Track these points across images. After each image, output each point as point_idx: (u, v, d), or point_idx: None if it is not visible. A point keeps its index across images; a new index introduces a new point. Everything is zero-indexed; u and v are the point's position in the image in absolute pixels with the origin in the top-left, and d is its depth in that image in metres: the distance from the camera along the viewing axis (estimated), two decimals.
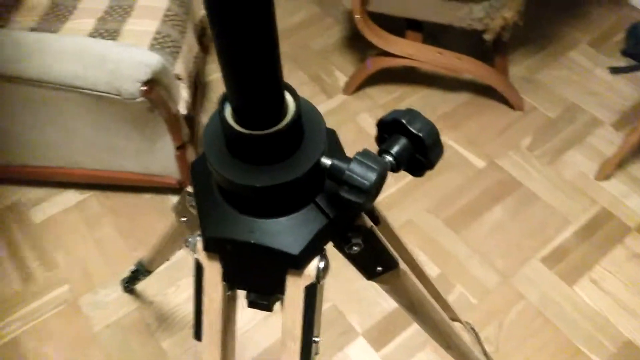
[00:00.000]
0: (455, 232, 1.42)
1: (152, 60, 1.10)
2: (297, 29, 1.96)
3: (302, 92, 1.65)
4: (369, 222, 0.42)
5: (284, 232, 0.36)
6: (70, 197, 1.47)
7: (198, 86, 1.63)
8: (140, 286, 1.29)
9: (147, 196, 1.47)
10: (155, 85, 1.13)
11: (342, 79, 1.79)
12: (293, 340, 0.39)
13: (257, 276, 0.41)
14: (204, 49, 1.79)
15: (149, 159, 1.34)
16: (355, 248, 0.41)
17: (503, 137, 1.62)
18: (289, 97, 0.35)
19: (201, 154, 0.39)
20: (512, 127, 1.65)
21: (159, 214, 1.44)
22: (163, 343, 1.23)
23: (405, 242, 0.60)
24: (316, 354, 0.41)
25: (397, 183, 1.52)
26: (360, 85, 1.75)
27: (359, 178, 0.33)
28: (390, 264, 0.46)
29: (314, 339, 0.40)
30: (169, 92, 1.22)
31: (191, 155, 1.42)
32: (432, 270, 1.35)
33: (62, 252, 1.37)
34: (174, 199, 1.47)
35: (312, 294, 0.38)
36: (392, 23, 1.57)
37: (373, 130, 1.62)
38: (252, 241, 0.36)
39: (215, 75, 1.80)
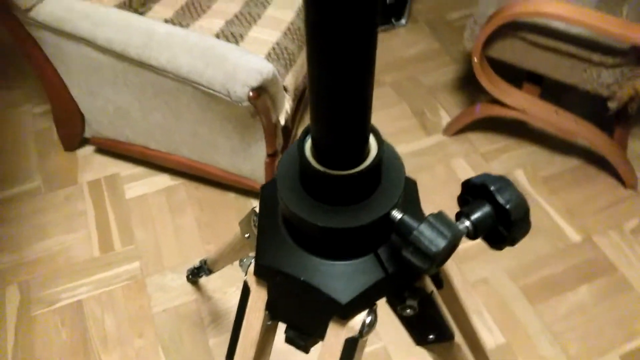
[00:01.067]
0: (531, 302, 1.32)
1: (265, 69, 1.14)
2: (411, 62, 1.95)
3: (401, 125, 1.64)
4: (430, 287, 0.39)
5: (337, 277, 0.34)
6: (163, 180, 1.55)
7: (302, 100, 1.67)
8: (203, 279, 1.32)
9: (231, 195, 1.52)
10: (262, 92, 1.16)
11: (445, 119, 1.75)
12: None
13: (301, 314, 0.40)
14: None
15: (242, 160, 1.38)
16: (408, 311, 0.38)
17: (606, 214, 1.49)
18: (372, 141, 0.34)
19: (272, 179, 0.38)
20: (619, 205, 1.52)
21: (239, 214, 1.48)
22: (211, 340, 1.25)
23: (467, 309, 0.56)
24: None
25: None
26: (462, 128, 1.69)
27: (426, 242, 0.31)
28: (444, 335, 0.43)
29: None
30: (274, 101, 1.26)
31: None
32: (496, 337, 1.27)
33: (143, 230, 1.44)
34: (255, 203, 1.50)
35: (352, 347, 0.36)
36: (511, 71, 1.50)
37: (464, 176, 1.57)
38: (302, 278, 0.35)
39: None
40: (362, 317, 0.35)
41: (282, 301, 0.39)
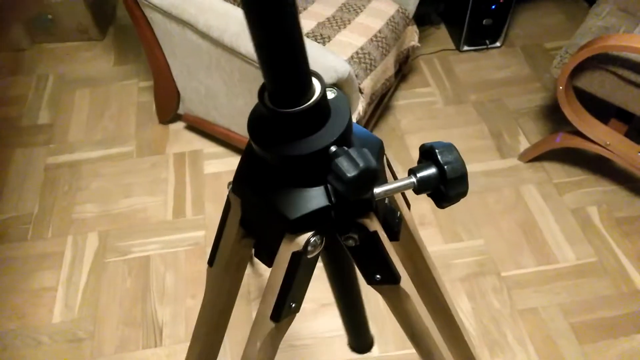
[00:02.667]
0: (580, 342, 1.26)
1: (341, 68, 1.21)
2: (499, 84, 1.93)
3: (477, 144, 1.64)
4: (374, 226, 0.43)
5: (291, 200, 0.40)
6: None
7: (379, 106, 1.72)
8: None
9: None
10: None
11: (523, 145, 1.72)
12: (272, 295, 0.43)
13: (264, 230, 0.46)
14: (400, 75, 1.88)
15: None
16: (349, 242, 0.43)
17: None
18: (317, 86, 0.39)
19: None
20: None
21: None
22: (253, 312, 1.33)
23: (440, 279, 0.59)
24: (292, 314, 0.45)
25: (540, 265, 1.41)
26: (539, 156, 1.65)
27: (342, 168, 0.36)
28: (389, 277, 0.46)
29: (290, 303, 0.43)
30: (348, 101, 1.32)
31: None
32: None
33: (212, 204, 1.57)
34: None
35: (296, 261, 0.42)
36: (601, 106, 1.46)
37: (533, 204, 1.52)
38: (261, 198, 0.42)
39: (402, 102, 1.87)
40: (307, 235, 0.41)
41: (251, 217, 0.47)
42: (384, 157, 0.49)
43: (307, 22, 1.53)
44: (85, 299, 1.37)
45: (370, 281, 0.46)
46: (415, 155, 1.70)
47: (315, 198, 0.40)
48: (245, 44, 1.25)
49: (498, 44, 2.04)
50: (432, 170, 0.42)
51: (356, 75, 1.38)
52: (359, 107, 1.40)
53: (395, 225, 0.47)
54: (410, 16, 1.64)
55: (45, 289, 1.40)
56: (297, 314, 0.43)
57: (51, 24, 2.05)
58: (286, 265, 0.42)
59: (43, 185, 1.63)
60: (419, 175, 0.42)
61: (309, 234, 0.41)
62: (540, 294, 1.36)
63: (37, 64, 2.04)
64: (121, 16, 2.25)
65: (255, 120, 0.41)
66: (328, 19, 1.55)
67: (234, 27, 1.26)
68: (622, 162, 1.50)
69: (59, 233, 1.51)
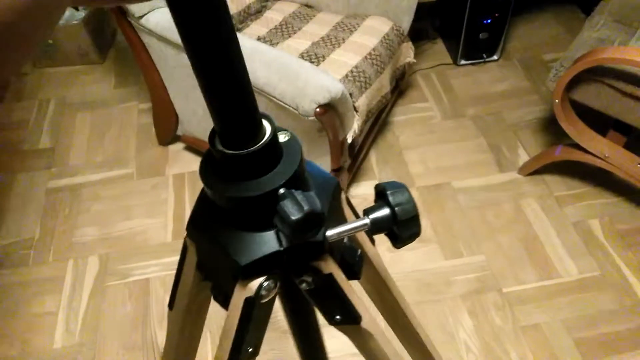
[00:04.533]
0: (584, 358, 1.25)
1: (334, 88, 1.21)
2: (497, 97, 1.93)
3: (475, 158, 1.64)
4: (329, 268, 0.43)
5: (242, 245, 0.40)
6: None
7: (377, 122, 1.73)
8: None
9: None
10: (330, 110, 1.24)
11: (523, 158, 1.71)
12: (228, 340, 0.43)
13: (219, 275, 0.46)
14: (397, 91, 1.88)
15: None
16: (304, 285, 0.43)
17: None
18: (268, 128, 0.40)
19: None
20: None
21: None
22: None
23: (409, 311, 0.59)
24: (250, 358, 0.45)
25: (542, 280, 1.39)
26: (539, 169, 1.65)
27: (286, 211, 0.36)
28: (349, 318, 0.46)
29: (247, 348, 0.43)
30: (342, 120, 1.33)
31: (344, 181, 1.51)
32: None
33: None
34: None
35: (250, 306, 0.41)
36: (599, 117, 1.45)
37: (534, 218, 1.51)
38: (214, 243, 0.42)
39: (400, 118, 1.87)
40: (259, 281, 0.40)
41: (206, 262, 0.47)
42: (343, 197, 0.49)
43: (301, 42, 1.55)
44: (86, 324, 1.37)
45: (331, 321, 0.46)
46: (415, 170, 1.70)
47: (266, 243, 0.40)
48: None
49: (495, 57, 2.04)
50: (385, 212, 0.42)
51: (351, 94, 1.39)
52: (355, 126, 1.41)
53: (355, 264, 0.46)
54: (405, 33, 1.64)
55: (46, 313, 1.40)
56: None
57: (52, 48, 2.08)
58: (239, 312, 0.41)
59: (44, 209, 1.65)
60: (371, 216, 0.42)
61: (261, 279, 0.40)
62: (543, 309, 1.35)
63: (39, 89, 2.06)
64: (121, 40, 2.28)
65: (207, 163, 0.41)
66: (322, 38, 1.56)
67: None
68: (623, 174, 1.48)
69: (60, 257, 1.52)
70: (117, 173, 1.73)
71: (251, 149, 0.37)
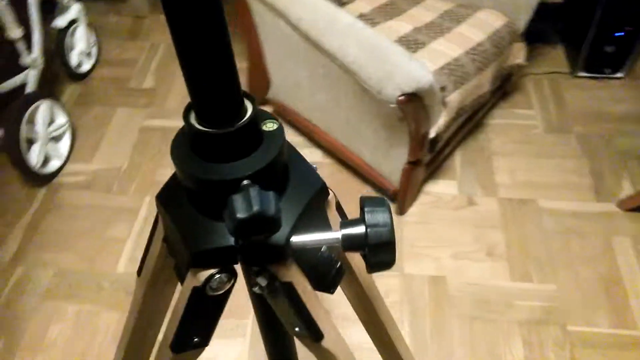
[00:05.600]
0: None
1: (423, 78, 1.15)
2: (612, 118, 1.74)
3: (571, 180, 1.53)
4: (289, 276, 0.39)
5: (199, 231, 0.37)
6: (316, 155, 1.67)
7: (469, 121, 1.63)
8: None
9: (368, 188, 1.57)
10: (414, 100, 1.18)
11: (626, 190, 1.53)
12: (174, 324, 0.41)
13: (179, 255, 0.43)
14: (501, 93, 1.76)
15: (382, 158, 1.42)
16: (256, 288, 0.39)
17: None
18: (248, 109, 0.36)
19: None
20: None
21: None
22: None
23: (397, 335, 0.53)
24: (196, 348, 0.42)
25: (615, 328, 1.26)
26: None
27: (234, 207, 0.33)
28: (309, 332, 0.42)
29: (194, 337, 0.41)
30: (427, 112, 1.26)
31: (419, 175, 1.45)
32: None
33: None
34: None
35: (197, 296, 0.39)
36: None
37: (623, 259, 1.38)
38: (174, 221, 0.39)
39: (498, 121, 1.75)
40: (210, 272, 0.37)
41: (170, 238, 0.44)
42: (332, 201, 0.45)
43: (403, 25, 1.48)
44: None
45: (291, 332, 0.42)
46: (501, 180, 1.59)
47: (224, 235, 0.37)
48: (330, 41, 1.23)
49: (620, 74, 1.83)
50: (359, 230, 0.37)
51: (443, 87, 1.31)
52: (441, 121, 1.33)
53: (330, 277, 0.42)
54: (520, 32, 1.52)
55: (116, 239, 1.51)
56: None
57: None
58: (186, 299, 0.39)
59: (135, 145, 1.75)
60: (344, 231, 0.37)
61: (212, 271, 0.38)
62: (608, 359, 1.22)
63: (152, 32, 2.18)
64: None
65: (179, 137, 0.39)
66: (427, 24, 1.49)
67: (323, 23, 1.25)
68: None
69: (140, 191, 1.62)
70: None
71: (222, 129, 0.35)
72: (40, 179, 1.63)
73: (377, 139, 1.38)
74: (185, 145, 0.38)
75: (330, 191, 0.44)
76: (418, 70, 1.15)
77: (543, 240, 1.45)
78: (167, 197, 0.41)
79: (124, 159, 1.71)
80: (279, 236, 0.37)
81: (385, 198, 0.39)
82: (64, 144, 1.71)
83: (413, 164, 1.37)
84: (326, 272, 0.42)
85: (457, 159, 1.65)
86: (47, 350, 1.29)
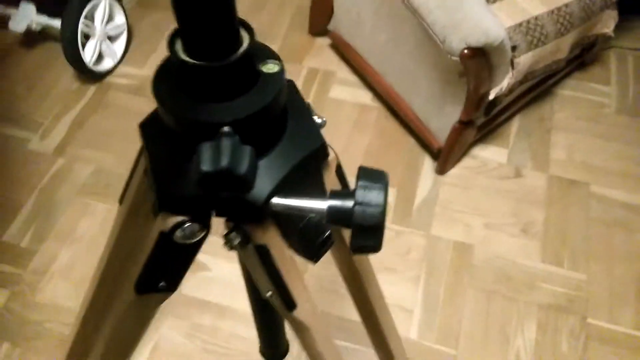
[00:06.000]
0: None
1: (493, 33, 1.06)
2: None
3: (631, 169, 1.47)
4: (264, 239, 0.36)
5: (173, 174, 0.34)
6: (365, 97, 1.61)
7: (536, 88, 1.51)
8: None
9: (412, 140, 1.51)
10: (479, 56, 1.09)
11: None
12: (140, 262, 0.38)
13: (153, 191, 0.40)
14: (578, 62, 1.62)
15: (433, 112, 1.35)
16: (226, 244, 0.36)
17: None
18: (244, 42, 0.32)
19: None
20: None
21: (407, 162, 1.47)
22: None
23: (384, 315, 0.50)
24: (162, 292, 0.40)
25: (637, 330, 1.20)
26: None
27: (200, 156, 0.29)
28: (281, 299, 0.39)
29: (160, 282, 0.39)
30: (491, 72, 1.17)
31: (469, 137, 1.37)
32: None
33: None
34: (428, 161, 1.47)
35: (163, 242, 0.36)
36: None
37: None
38: (150, 157, 0.36)
39: (568, 92, 1.62)
40: (178, 219, 0.35)
41: (149, 171, 0.40)
42: (332, 163, 0.40)
43: None
44: None
45: (262, 294, 0.40)
46: (556, 156, 1.49)
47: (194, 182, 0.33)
48: None
49: None
50: (347, 204, 0.32)
51: (515, 47, 1.21)
52: (504, 83, 1.24)
53: (315, 244, 0.38)
54: None
55: None
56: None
57: None
58: (152, 243, 0.36)
59: None
60: (331, 203, 0.33)
61: (180, 218, 0.34)
62: (620, 358, 1.17)
63: None
64: None
65: (167, 63, 0.35)
66: None
67: None
68: None
69: None
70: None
71: (206, 62, 0.30)
72: (92, 76, 1.65)
73: (431, 91, 1.30)
74: (170, 75, 0.34)
75: (331, 151, 0.40)
76: (490, 23, 1.06)
77: (585, 227, 1.37)
78: (151, 128, 0.37)
79: None
80: (257, 195, 0.33)
81: (386, 174, 0.34)
82: (120, 45, 1.72)
83: (464, 124, 1.29)
84: (311, 239, 0.38)
85: (514, 125, 1.55)
86: (73, 243, 1.35)
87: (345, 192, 0.33)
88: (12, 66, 1.73)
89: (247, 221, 0.35)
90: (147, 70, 1.70)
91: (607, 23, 1.43)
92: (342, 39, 1.61)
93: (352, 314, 1.21)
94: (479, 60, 1.10)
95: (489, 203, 1.40)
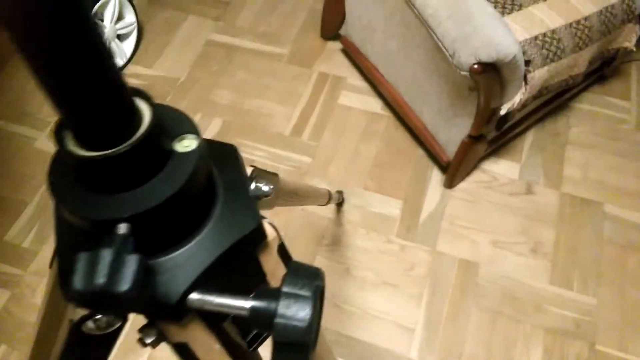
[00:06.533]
0: None
1: (505, 49, 1.01)
2: None
3: None
4: (183, 336, 0.31)
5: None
6: (374, 105, 1.57)
7: (552, 102, 1.46)
8: (349, 209, 1.36)
9: (420, 152, 1.47)
10: (490, 71, 1.05)
11: None
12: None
13: None
14: (597, 76, 1.56)
15: (442, 125, 1.31)
16: (139, 340, 0.32)
17: None
18: (144, 121, 0.27)
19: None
20: None
21: (415, 173, 1.43)
22: (317, 256, 1.30)
23: None
24: None
25: None
26: None
27: (73, 271, 0.25)
28: None
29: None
30: (503, 87, 1.13)
31: (479, 151, 1.33)
32: None
33: (331, 135, 1.51)
34: (436, 174, 1.43)
35: (74, 333, 0.31)
36: None
37: None
38: (56, 226, 0.31)
39: (585, 106, 1.57)
40: (83, 312, 0.30)
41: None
42: (273, 243, 0.35)
43: None
44: None
45: None
46: (570, 173, 1.44)
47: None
48: None
49: None
50: (270, 311, 0.28)
51: (529, 61, 1.16)
52: (517, 98, 1.19)
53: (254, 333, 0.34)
54: (637, 12, 1.30)
55: None
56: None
57: None
58: (65, 333, 0.32)
59: (198, 58, 1.72)
60: (254, 304, 0.28)
61: (88, 311, 0.30)
62: None
63: None
64: None
65: (60, 153, 0.30)
66: None
67: None
68: None
69: (192, 107, 1.60)
70: (270, 50, 1.72)
71: (95, 152, 0.25)
72: None
73: (441, 103, 1.26)
74: (66, 165, 0.29)
75: (271, 230, 0.35)
76: (502, 37, 1.01)
77: (597, 248, 1.32)
78: (59, 183, 0.31)
79: (183, 71, 1.69)
80: (171, 293, 0.29)
81: (322, 273, 0.30)
82: (129, 44, 1.70)
83: (474, 138, 1.25)
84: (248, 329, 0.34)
85: (527, 139, 1.50)
86: None
87: (271, 291, 0.29)
88: (22, 64, 1.72)
89: (160, 319, 0.31)
90: (156, 70, 1.69)
91: (629, 36, 1.38)
92: (353, 44, 1.58)
93: (350, 329, 1.19)
94: (490, 75, 1.06)
95: (497, 220, 1.36)
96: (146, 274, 0.26)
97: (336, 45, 1.70)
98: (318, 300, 0.27)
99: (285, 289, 0.28)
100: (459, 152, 1.29)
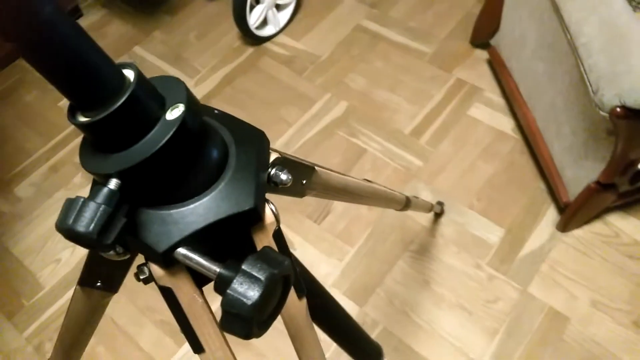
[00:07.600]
0: None
1: None
2: None
3: None
4: (170, 282, 0.35)
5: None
6: (505, 124, 1.49)
7: None
8: (446, 222, 1.32)
9: (540, 185, 1.37)
10: (634, 118, 0.94)
11: None
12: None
13: None
14: None
15: (571, 162, 1.21)
16: (136, 275, 0.36)
17: None
18: (129, 83, 0.30)
19: None
20: None
21: (529, 206, 1.35)
22: (398, 261, 1.29)
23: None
24: (101, 290, 0.43)
25: None
26: None
27: (62, 210, 0.29)
28: (190, 342, 0.38)
29: (97, 281, 0.41)
30: None
31: (605, 201, 1.21)
32: None
33: (449, 145, 1.47)
34: (551, 212, 1.33)
35: (94, 253, 0.39)
36: None
37: None
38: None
39: None
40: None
41: None
42: (269, 223, 0.37)
43: None
44: (299, 151, 1.52)
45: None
46: None
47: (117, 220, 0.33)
48: (571, 10, 1.02)
49: None
50: (230, 278, 0.31)
51: None
52: None
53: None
54: None
55: (285, 121, 1.59)
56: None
57: None
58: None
59: (343, 41, 1.76)
60: (219, 271, 0.31)
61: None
62: None
63: None
64: None
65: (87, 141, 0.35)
66: None
67: None
68: None
69: (325, 85, 1.65)
70: (415, 46, 1.71)
71: (88, 117, 0.30)
72: (252, 39, 1.76)
73: (574, 139, 1.16)
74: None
75: (270, 215, 0.37)
76: None
77: None
78: (84, 146, 0.38)
79: (326, 50, 1.74)
80: (161, 242, 0.33)
81: (288, 265, 0.32)
82: (285, 15, 1.80)
83: (603, 186, 1.14)
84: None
85: None
86: None
87: (249, 261, 0.31)
88: (190, 14, 1.91)
89: (152, 261, 0.36)
90: (303, 44, 1.77)
91: None
92: (500, 57, 1.50)
93: (413, 340, 1.17)
94: (633, 123, 0.95)
95: (606, 279, 1.23)
96: (109, 220, 0.30)
97: (482, 55, 1.63)
98: (273, 286, 0.30)
99: (244, 267, 0.31)
100: (582, 196, 1.18)
